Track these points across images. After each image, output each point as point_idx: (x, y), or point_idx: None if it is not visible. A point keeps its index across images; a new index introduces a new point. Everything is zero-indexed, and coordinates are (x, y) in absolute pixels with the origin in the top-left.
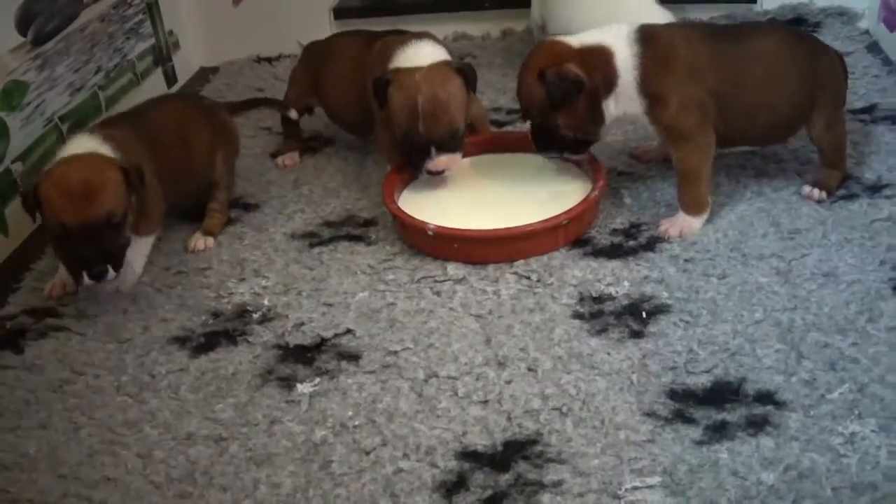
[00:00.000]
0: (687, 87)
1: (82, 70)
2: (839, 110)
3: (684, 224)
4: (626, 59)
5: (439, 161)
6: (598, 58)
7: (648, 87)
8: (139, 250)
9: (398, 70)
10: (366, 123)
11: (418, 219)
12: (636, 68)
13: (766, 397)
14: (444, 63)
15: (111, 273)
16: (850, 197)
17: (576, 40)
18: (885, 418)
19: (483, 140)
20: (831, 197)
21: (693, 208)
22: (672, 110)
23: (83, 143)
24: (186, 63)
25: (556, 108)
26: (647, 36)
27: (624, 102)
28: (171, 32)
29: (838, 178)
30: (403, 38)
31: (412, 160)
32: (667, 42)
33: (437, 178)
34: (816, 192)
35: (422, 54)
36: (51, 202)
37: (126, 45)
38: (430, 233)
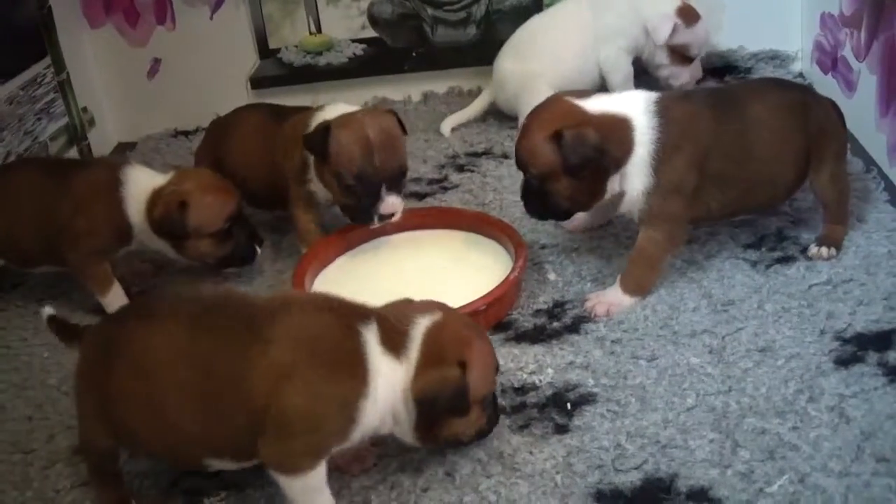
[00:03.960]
0: (689, 172)
1: None
2: (841, 162)
3: (614, 301)
4: (643, 132)
5: (390, 203)
6: (616, 128)
7: (660, 165)
8: None
9: (337, 118)
10: (272, 197)
11: None
12: (653, 143)
13: (699, 494)
14: (376, 107)
15: None
16: (787, 260)
17: (591, 104)
18: None
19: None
20: (840, 252)
21: (634, 290)
22: (663, 192)
23: None
24: (103, 140)
25: (569, 174)
26: (664, 108)
27: (630, 179)
28: (85, 109)
29: (844, 232)
30: (312, 110)
31: (362, 206)
32: (684, 118)
33: (387, 223)
34: (825, 251)
35: (340, 108)
36: None
37: (37, 127)
38: None
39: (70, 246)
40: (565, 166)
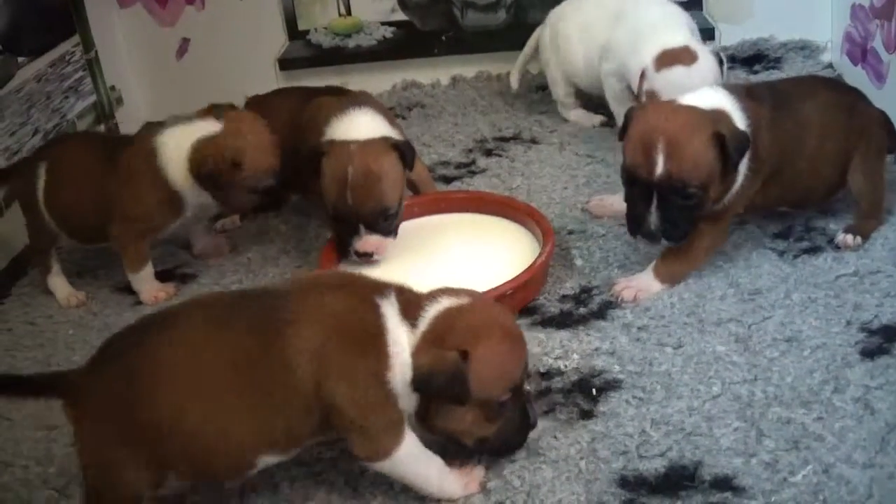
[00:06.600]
0: (755, 174)
1: (18, 133)
2: (880, 162)
3: (643, 287)
4: (741, 125)
5: (367, 241)
6: (724, 120)
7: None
8: None
9: (333, 142)
10: (300, 183)
11: None
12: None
13: (723, 483)
14: (382, 138)
15: None
16: (814, 250)
17: (692, 102)
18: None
19: (425, 201)
20: (867, 242)
21: (668, 278)
22: (739, 188)
23: None
24: (130, 119)
25: (729, 174)
26: (745, 107)
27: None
28: (113, 88)
29: (875, 226)
30: (340, 102)
31: (340, 239)
32: (759, 117)
33: (367, 261)
34: (851, 238)
35: (359, 125)
36: None
37: (65, 105)
38: None
39: (117, 222)
40: (729, 166)
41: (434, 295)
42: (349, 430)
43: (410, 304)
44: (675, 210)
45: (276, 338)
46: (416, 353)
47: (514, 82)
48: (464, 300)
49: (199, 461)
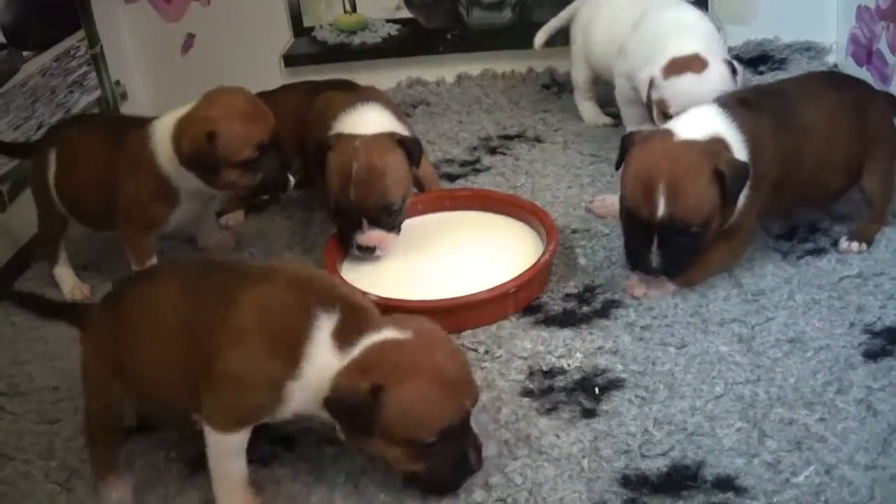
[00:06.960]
0: (756, 191)
1: (23, 127)
2: (892, 164)
3: (656, 285)
4: (738, 147)
5: (370, 235)
6: (724, 149)
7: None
8: None
9: (340, 136)
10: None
11: (358, 289)
12: (746, 157)
13: (725, 483)
14: (388, 134)
15: None
16: (818, 252)
17: (682, 132)
18: None
19: (430, 198)
20: (871, 247)
21: (683, 283)
22: (743, 207)
23: None
24: (135, 113)
25: (729, 206)
26: (740, 123)
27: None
28: (118, 83)
29: (877, 230)
30: (348, 97)
31: (343, 233)
32: (755, 134)
33: (369, 256)
34: (855, 245)
35: (366, 120)
36: None
37: (70, 99)
38: None
39: (121, 216)
40: (731, 200)
41: (381, 324)
42: (215, 390)
43: (352, 326)
44: (677, 248)
45: (220, 311)
46: (339, 375)
47: (539, 40)
48: (407, 335)
49: (148, 403)
